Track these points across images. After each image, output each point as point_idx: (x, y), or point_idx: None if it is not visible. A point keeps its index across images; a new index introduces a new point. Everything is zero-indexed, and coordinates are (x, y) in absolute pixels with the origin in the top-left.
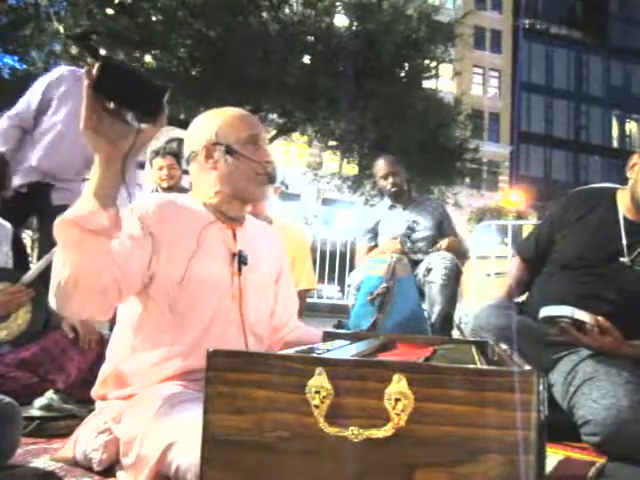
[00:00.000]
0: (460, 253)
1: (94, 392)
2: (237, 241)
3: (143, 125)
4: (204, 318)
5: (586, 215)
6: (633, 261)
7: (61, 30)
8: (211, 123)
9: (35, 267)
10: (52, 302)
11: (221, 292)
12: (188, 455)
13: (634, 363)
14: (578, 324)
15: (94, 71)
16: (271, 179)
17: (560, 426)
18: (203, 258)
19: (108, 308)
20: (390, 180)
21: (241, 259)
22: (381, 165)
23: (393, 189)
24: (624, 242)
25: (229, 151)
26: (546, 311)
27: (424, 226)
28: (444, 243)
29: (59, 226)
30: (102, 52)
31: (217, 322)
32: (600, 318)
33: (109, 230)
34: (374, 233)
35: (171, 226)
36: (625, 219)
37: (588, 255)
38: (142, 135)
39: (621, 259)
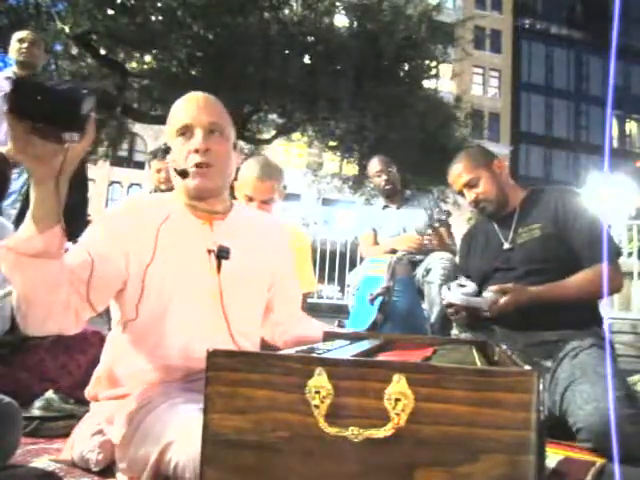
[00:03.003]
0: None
1: (87, 392)
2: (215, 235)
3: (73, 139)
4: (186, 319)
5: (477, 234)
6: (512, 243)
7: (66, 30)
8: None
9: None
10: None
11: (201, 291)
12: (186, 453)
13: (597, 349)
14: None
15: (9, 93)
16: (183, 174)
17: (560, 426)
18: (181, 259)
19: (74, 322)
20: (384, 177)
21: (220, 254)
22: (375, 164)
23: (387, 186)
24: (500, 235)
25: (168, 150)
26: (448, 297)
27: (418, 226)
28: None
29: (0, 252)
30: (102, 52)
31: (201, 322)
32: (491, 287)
33: (49, 253)
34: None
35: (135, 229)
36: (495, 220)
37: (487, 256)
38: (73, 150)
39: (504, 247)
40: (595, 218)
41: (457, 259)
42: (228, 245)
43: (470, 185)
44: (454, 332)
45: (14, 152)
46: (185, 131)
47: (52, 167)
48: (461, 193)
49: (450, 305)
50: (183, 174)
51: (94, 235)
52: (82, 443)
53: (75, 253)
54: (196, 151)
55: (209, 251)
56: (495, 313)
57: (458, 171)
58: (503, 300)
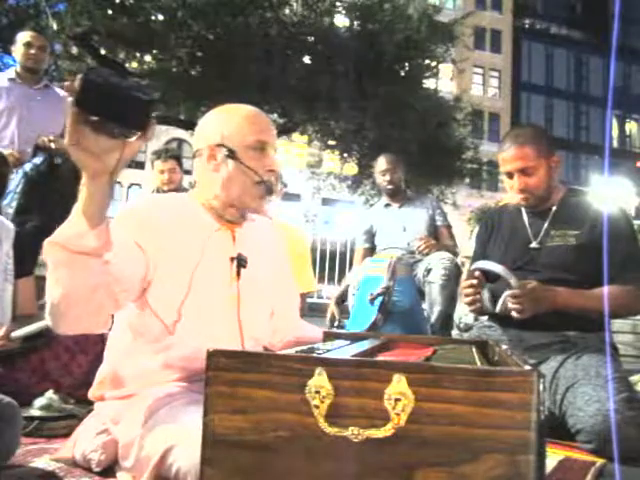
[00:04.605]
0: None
1: (91, 393)
2: (236, 243)
3: (130, 138)
4: (203, 324)
5: (501, 222)
6: (541, 243)
7: (55, 28)
8: (219, 122)
9: (28, 328)
10: (48, 320)
11: (220, 297)
12: (188, 458)
13: (601, 352)
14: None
15: (76, 85)
16: (269, 190)
17: (560, 426)
18: (206, 266)
19: (104, 321)
20: (387, 177)
21: (240, 262)
22: (381, 161)
23: (389, 186)
24: (529, 231)
25: (231, 156)
26: (480, 264)
27: (419, 225)
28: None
29: (47, 248)
30: (102, 52)
31: (215, 327)
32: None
33: (99, 250)
34: (370, 235)
35: (172, 233)
36: (527, 213)
37: (511, 250)
38: (129, 148)
39: (531, 245)
40: (634, 237)
41: (473, 243)
42: (246, 252)
43: (525, 173)
44: (454, 332)
45: (70, 145)
46: (262, 146)
47: (108, 163)
48: (508, 174)
49: (473, 276)
50: (270, 190)
51: (122, 235)
52: (85, 442)
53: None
54: (271, 171)
55: (232, 259)
56: (521, 293)
57: (518, 154)
58: (532, 284)
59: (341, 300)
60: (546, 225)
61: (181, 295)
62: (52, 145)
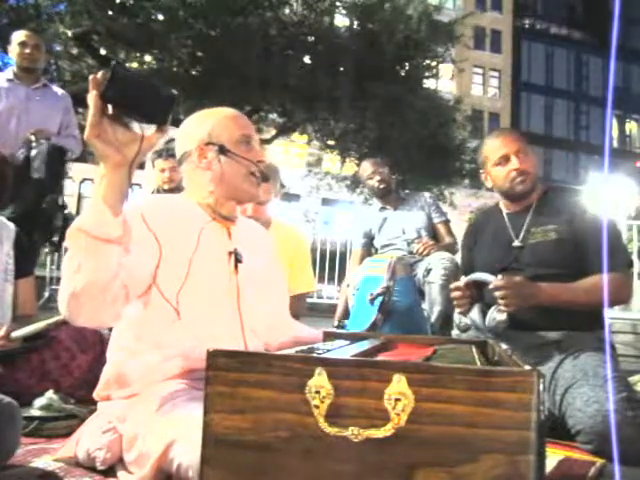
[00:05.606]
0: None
1: (97, 393)
2: (232, 239)
3: (148, 132)
4: (204, 317)
5: (484, 225)
6: (523, 241)
7: (60, 30)
8: (204, 123)
9: (28, 328)
10: (64, 311)
11: (219, 291)
12: (190, 453)
13: (599, 351)
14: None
15: (100, 78)
16: (264, 178)
17: (560, 426)
18: (202, 258)
19: (118, 313)
20: (377, 177)
21: (237, 257)
22: (366, 166)
23: (382, 185)
24: (511, 231)
25: (222, 151)
26: (470, 277)
27: (417, 225)
28: (420, 249)
29: (71, 235)
30: (102, 52)
31: (216, 321)
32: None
33: (122, 239)
34: (368, 238)
35: (171, 228)
36: (507, 214)
37: (495, 252)
38: (147, 141)
39: (514, 244)
40: (613, 227)
41: (460, 251)
42: (240, 249)
43: (523, 153)
44: (454, 332)
45: (89, 136)
46: (248, 140)
47: (127, 155)
48: (505, 158)
49: (457, 289)
50: (265, 178)
51: (134, 230)
52: (90, 440)
53: None
54: (260, 161)
55: (230, 253)
56: (504, 284)
57: (514, 137)
58: (517, 278)
59: (344, 317)
60: (526, 223)
61: (180, 282)
62: (32, 138)
